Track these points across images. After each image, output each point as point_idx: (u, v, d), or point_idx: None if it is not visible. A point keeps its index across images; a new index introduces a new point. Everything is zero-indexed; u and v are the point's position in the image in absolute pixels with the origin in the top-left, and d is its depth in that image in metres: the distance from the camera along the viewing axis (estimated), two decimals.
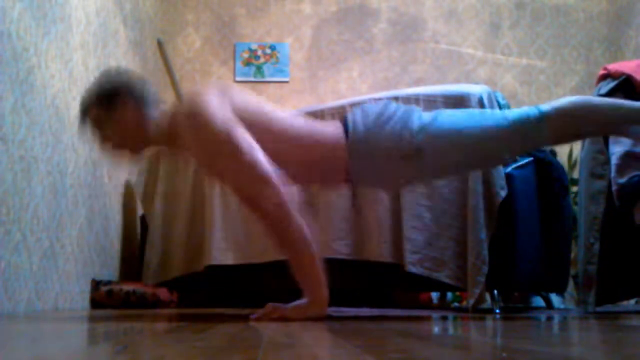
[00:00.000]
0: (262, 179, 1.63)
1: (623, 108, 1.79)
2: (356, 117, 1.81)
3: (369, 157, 1.77)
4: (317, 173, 1.84)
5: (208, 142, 1.64)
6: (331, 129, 1.80)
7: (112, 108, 1.73)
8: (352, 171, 1.79)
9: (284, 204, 1.62)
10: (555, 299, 3.38)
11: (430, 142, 1.74)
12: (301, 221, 1.64)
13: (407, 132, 1.74)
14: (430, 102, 2.49)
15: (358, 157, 1.77)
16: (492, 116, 1.79)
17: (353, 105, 2.65)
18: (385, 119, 1.77)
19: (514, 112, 1.78)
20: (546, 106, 1.77)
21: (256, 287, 2.97)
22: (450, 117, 1.78)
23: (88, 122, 1.75)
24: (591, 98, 1.88)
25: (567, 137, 1.89)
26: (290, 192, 1.66)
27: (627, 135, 1.88)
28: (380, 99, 2.61)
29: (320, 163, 1.78)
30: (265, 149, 1.69)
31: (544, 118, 1.74)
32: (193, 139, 1.66)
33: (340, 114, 2.67)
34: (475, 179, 2.29)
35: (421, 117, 1.78)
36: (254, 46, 4.55)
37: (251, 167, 1.64)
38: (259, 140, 1.69)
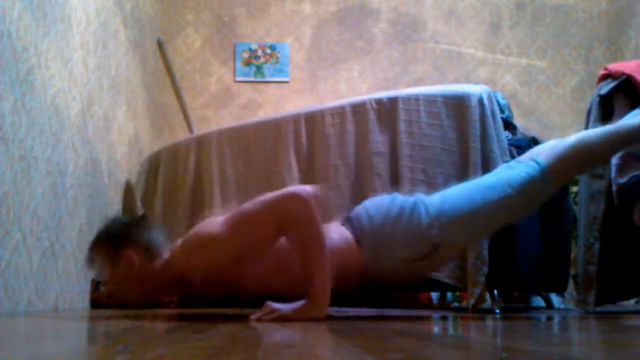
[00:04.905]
0: (275, 201, 1.63)
1: (618, 134, 1.81)
2: (362, 222, 1.79)
3: (385, 267, 1.78)
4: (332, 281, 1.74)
5: (221, 247, 1.64)
6: (342, 242, 1.76)
7: (117, 259, 1.70)
8: (369, 277, 1.80)
9: (308, 204, 1.62)
10: (555, 299, 3.37)
11: (444, 234, 1.76)
12: (320, 222, 1.65)
13: (419, 234, 1.74)
14: (430, 102, 2.49)
15: (375, 268, 1.78)
16: (497, 186, 1.78)
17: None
18: (393, 221, 1.77)
19: (517, 176, 1.77)
20: (545, 159, 1.76)
21: None
22: (456, 199, 1.78)
23: (94, 268, 1.72)
24: (585, 135, 1.87)
25: (569, 179, 1.89)
26: (306, 191, 1.66)
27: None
28: (380, 99, 2.61)
29: (336, 275, 1.68)
30: (277, 269, 1.71)
31: (547, 175, 1.74)
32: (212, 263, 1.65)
33: (340, 114, 2.66)
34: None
35: (428, 208, 1.77)
36: (254, 46, 4.54)
37: (262, 208, 1.64)
38: (267, 264, 1.71)
